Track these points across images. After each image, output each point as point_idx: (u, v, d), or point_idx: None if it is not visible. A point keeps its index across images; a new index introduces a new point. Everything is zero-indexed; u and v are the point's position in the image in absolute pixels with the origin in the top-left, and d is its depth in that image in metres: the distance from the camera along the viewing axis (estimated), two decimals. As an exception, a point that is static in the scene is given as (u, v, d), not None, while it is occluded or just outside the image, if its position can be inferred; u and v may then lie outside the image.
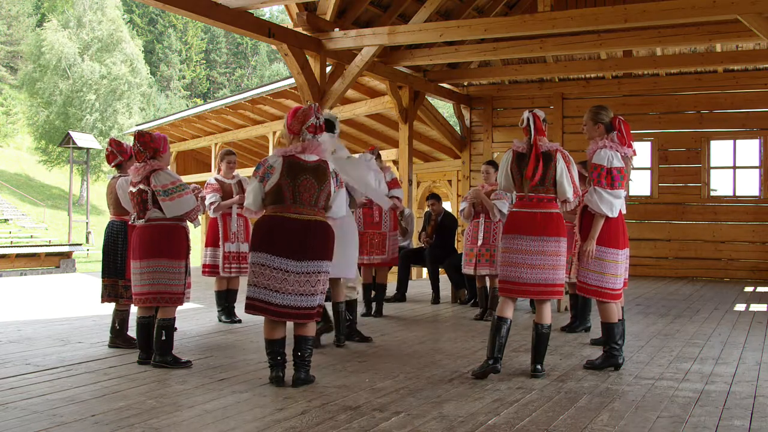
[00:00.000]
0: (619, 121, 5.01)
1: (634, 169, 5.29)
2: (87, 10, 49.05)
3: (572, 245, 6.56)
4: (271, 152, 15.12)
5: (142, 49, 53.43)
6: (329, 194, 4.54)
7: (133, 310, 5.71)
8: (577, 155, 7.17)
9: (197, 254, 10.65)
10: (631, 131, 5.13)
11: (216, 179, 7.11)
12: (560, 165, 4.75)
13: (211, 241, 7.09)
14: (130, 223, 5.40)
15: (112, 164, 5.81)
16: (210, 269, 7.09)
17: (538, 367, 4.81)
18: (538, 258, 4.74)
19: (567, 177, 4.77)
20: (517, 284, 4.78)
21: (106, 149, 5.82)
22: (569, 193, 4.78)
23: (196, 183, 5.57)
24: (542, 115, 4.86)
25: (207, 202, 6.92)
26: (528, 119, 4.81)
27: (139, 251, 5.05)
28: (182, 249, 5.09)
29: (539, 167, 4.74)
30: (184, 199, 5.03)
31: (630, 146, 5.04)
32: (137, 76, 49.78)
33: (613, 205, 4.91)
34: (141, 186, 5.03)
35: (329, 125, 5.47)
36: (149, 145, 5.07)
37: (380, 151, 8.07)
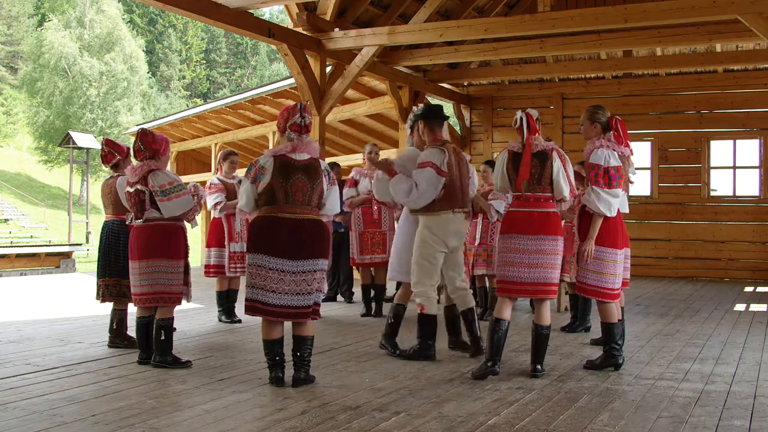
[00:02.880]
0: (615, 120, 5.00)
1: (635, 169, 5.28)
2: (87, 9, 49.05)
3: (572, 245, 6.57)
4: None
5: (145, 48, 53.38)
6: (322, 192, 4.51)
7: (132, 309, 5.71)
8: (577, 155, 7.16)
9: (196, 254, 10.65)
10: (631, 131, 5.15)
11: (219, 179, 7.07)
12: (556, 164, 4.78)
13: (215, 242, 7.02)
14: (127, 223, 5.38)
15: (110, 164, 5.78)
16: (215, 269, 7.03)
17: (538, 367, 4.82)
18: (535, 257, 4.74)
19: (563, 175, 4.80)
20: (514, 284, 4.78)
21: (102, 149, 5.79)
22: (566, 192, 4.81)
23: (196, 183, 5.53)
24: (535, 114, 4.87)
25: (212, 202, 6.88)
26: (521, 119, 4.83)
27: (138, 252, 5.04)
28: (181, 249, 5.10)
29: (534, 166, 4.76)
30: (182, 200, 5.03)
31: (627, 146, 5.03)
32: (136, 74, 49.76)
33: (610, 204, 4.90)
34: (138, 186, 5.02)
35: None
36: (150, 144, 5.06)
37: (380, 151, 8.06)
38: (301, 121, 4.53)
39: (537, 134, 4.82)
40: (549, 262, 4.77)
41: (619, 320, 5.15)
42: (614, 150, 4.94)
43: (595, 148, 4.94)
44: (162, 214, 5.01)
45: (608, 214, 4.92)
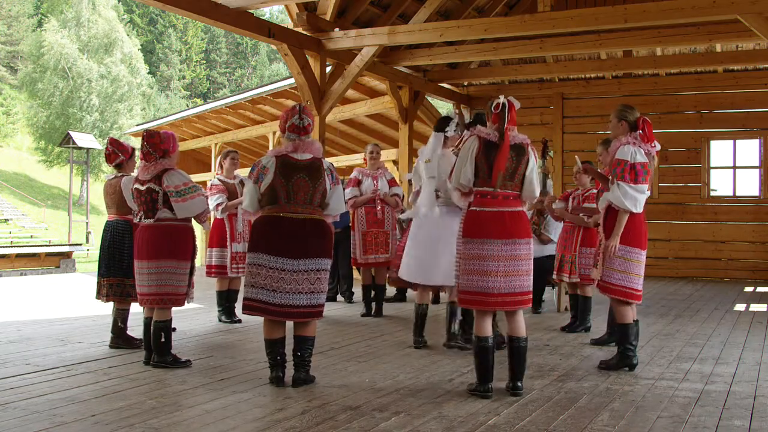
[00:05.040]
0: (643, 121, 4.98)
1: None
2: (84, 10, 49.06)
3: (574, 244, 6.57)
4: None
5: (140, 47, 53.38)
6: (324, 192, 4.50)
7: (135, 309, 5.70)
8: (578, 155, 7.15)
9: (200, 254, 10.64)
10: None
11: (219, 180, 7.07)
12: (532, 160, 4.40)
13: (217, 242, 7.03)
14: (135, 221, 5.32)
15: (113, 164, 5.79)
16: (217, 270, 7.04)
17: (519, 384, 4.34)
18: (512, 264, 4.26)
19: (537, 173, 4.46)
20: (491, 295, 4.25)
21: (106, 148, 5.80)
22: (538, 191, 4.48)
23: (196, 183, 5.52)
24: (518, 105, 4.49)
25: (213, 203, 6.87)
26: (503, 105, 4.34)
27: (147, 251, 5.00)
28: (189, 250, 5.09)
29: (510, 160, 4.30)
30: (196, 201, 5.02)
31: (653, 146, 5.00)
32: (137, 76, 49.80)
33: (636, 200, 4.87)
34: (151, 185, 4.99)
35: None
36: (159, 146, 5.04)
37: (381, 151, 8.06)
38: (300, 123, 4.53)
39: (514, 126, 4.39)
40: (525, 269, 4.33)
41: (634, 321, 5.14)
42: (641, 147, 4.92)
43: (622, 145, 4.93)
44: (175, 214, 5.00)
45: (634, 210, 4.87)
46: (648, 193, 5.01)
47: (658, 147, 5.04)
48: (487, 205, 4.31)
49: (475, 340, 4.34)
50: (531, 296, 4.42)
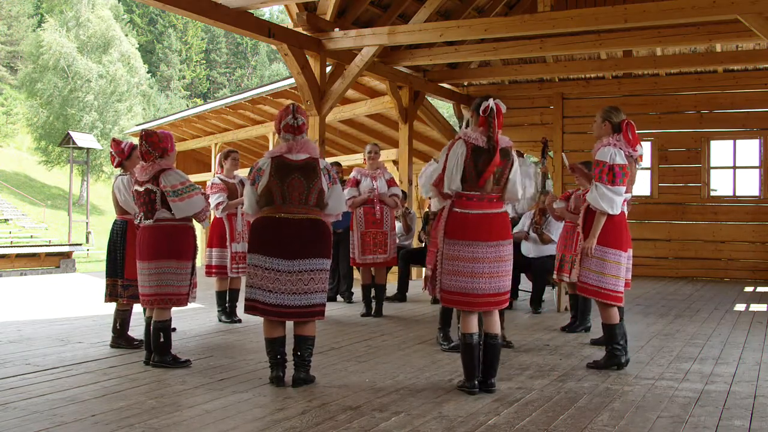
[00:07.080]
0: (627, 124, 4.99)
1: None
2: (84, 9, 49.07)
3: (575, 244, 6.57)
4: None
5: (139, 47, 53.36)
6: (320, 191, 4.49)
7: (137, 309, 5.71)
8: (577, 155, 7.15)
9: (200, 254, 10.63)
10: (632, 132, 5.11)
11: (220, 179, 7.06)
12: (516, 163, 4.43)
13: (216, 242, 7.00)
14: (135, 222, 5.32)
15: (114, 165, 5.81)
16: (217, 269, 7.01)
17: (492, 381, 4.39)
18: (496, 266, 4.31)
19: (519, 176, 4.48)
20: (478, 296, 4.29)
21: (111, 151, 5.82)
22: (521, 193, 4.50)
23: (196, 183, 5.51)
24: (505, 109, 4.38)
25: (214, 202, 6.85)
26: (492, 110, 4.27)
27: (147, 252, 5.00)
28: (190, 250, 5.08)
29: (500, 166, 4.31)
30: (194, 200, 5.02)
31: (635, 150, 5.01)
32: (135, 75, 49.79)
33: (614, 201, 4.89)
34: (149, 186, 4.98)
35: None
36: (158, 145, 5.03)
37: (381, 151, 8.06)
38: (294, 122, 4.54)
39: (500, 130, 4.31)
40: (507, 269, 4.38)
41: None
42: (621, 149, 4.93)
43: (602, 146, 4.94)
44: (173, 214, 5.00)
45: (611, 212, 4.90)
46: (627, 195, 5.02)
47: (641, 152, 5.05)
48: (472, 207, 4.33)
49: (461, 337, 4.37)
50: (509, 295, 4.47)
